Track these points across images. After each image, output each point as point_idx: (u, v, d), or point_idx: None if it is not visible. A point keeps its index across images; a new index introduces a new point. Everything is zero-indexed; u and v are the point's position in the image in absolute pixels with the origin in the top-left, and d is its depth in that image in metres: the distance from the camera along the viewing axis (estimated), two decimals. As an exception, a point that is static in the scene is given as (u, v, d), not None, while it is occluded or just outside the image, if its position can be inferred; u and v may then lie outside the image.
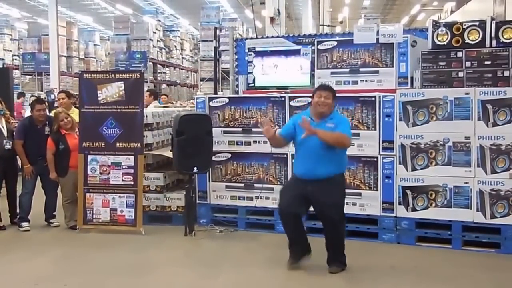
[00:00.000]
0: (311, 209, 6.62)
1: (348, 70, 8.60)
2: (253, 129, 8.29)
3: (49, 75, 23.87)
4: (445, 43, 8.05)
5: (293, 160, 6.83)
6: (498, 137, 7.10)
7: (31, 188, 8.69)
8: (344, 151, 6.48)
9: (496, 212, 7.13)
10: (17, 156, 8.70)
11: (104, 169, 8.40)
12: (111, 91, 8.41)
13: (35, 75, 25.17)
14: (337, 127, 6.29)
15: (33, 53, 25.53)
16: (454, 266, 6.74)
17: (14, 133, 8.61)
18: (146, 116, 8.77)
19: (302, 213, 6.60)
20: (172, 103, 15.77)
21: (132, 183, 8.33)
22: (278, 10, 16.83)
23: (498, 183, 7.12)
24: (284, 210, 6.55)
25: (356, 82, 8.56)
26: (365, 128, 7.67)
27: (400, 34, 8.15)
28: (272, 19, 16.76)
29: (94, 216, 8.40)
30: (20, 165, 9.09)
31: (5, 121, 8.71)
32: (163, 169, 9.14)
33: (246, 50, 10.22)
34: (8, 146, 8.51)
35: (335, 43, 8.77)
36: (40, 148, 8.43)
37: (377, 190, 7.68)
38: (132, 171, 8.33)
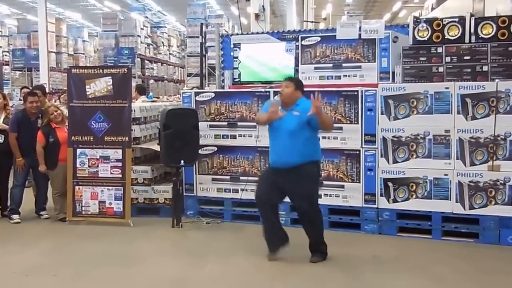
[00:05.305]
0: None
1: (331, 65, 8.72)
2: (239, 123, 8.45)
3: (38, 70, 23.74)
4: (425, 38, 8.23)
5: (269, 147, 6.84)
6: (477, 130, 7.26)
7: (22, 181, 8.81)
8: (315, 139, 6.60)
9: (474, 203, 7.31)
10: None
11: (93, 163, 8.51)
12: (99, 86, 8.51)
13: (25, 71, 25.04)
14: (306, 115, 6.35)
15: (23, 49, 25.38)
16: (434, 255, 6.88)
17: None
18: (134, 110, 8.86)
19: (277, 202, 6.76)
20: (159, 97, 15.89)
21: (120, 176, 8.45)
22: (263, 7, 16.90)
23: (476, 175, 7.29)
24: (260, 200, 6.73)
25: (339, 77, 8.67)
26: (348, 122, 7.82)
27: (381, 30, 8.31)
28: (257, 16, 16.83)
29: (83, 208, 8.52)
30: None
31: (5, 115, 8.82)
32: (150, 162, 9.24)
33: (232, 46, 10.36)
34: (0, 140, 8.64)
35: (319, 39, 8.89)
36: (32, 141, 8.50)
37: (359, 182, 7.83)
38: (120, 164, 8.45)
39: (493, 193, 7.23)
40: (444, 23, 8.16)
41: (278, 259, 6.67)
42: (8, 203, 8.94)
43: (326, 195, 7.93)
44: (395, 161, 7.64)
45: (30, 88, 11.46)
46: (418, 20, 8.41)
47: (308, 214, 6.58)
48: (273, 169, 6.65)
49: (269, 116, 6.50)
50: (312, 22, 25.45)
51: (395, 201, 7.67)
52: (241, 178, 8.43)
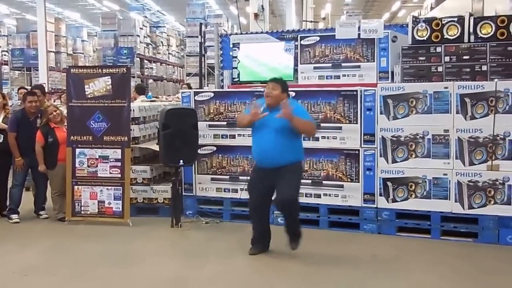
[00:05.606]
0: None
1: (330, 65, 8.72)
2: (238, 123, 8.43)
3: (37, 70, 23.75)
4: (424, 38, 8.24)
5: (252, 146, 6.91)
6: (476, 130, 7.25)
7: (21, 181, 8.79)
8: (299, 139, 6.67)
9: (473, 203, 7.30)
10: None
11: (92, 162, 8.50)
12: (98, 86, 8.49)
13: (24, 71, 25.07)
14: (296, 115, 6.42)
15: (22, 49, 25.41)
16: (433, 254, 6.88)
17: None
18: (133, 110, 8.85)
19: (270, 206, 6.90)
20: (158, 97, 15.92)
21: (119, 175, 8.44)
22: (262, 6, 16.96)
23: (475, 174, 7.28)
24: (254, 211, 6.88)
25: (338, 77, 8.66)
26: (347, 121, 7.81)
27: (381, 29, 8.31)
28: (256, 15, 16.88)
29: (82, 208, 8.51)
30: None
31: (4, 115, 8.83)
32: (149, 162, 9.22)
33: (231, 46, 10.36)
34: None
35: (318, 38, 8.89)
36: (32, 141, 8.48)
37: (358, 182, 7.83)
38: (119, 164, 8.44)
39: (492, 192, 7.22)
40: (443, 22, 8.18)
41: (277, 258, 6.70)
42: (7, 203, 8.92)
43: (325, 194, 7.97)
44: (394, 161, 7.64)
45: (28, 88, 11.45)
46: (417, 20, 8.43)
47: (291, 204, 6.59)
48: (261, 170, 6.71)
49: (250, 118, 6.63)
50: (311, 21, 25.53)
51: (394, 200, 7.66)
52: (240, 177, 8.40)
